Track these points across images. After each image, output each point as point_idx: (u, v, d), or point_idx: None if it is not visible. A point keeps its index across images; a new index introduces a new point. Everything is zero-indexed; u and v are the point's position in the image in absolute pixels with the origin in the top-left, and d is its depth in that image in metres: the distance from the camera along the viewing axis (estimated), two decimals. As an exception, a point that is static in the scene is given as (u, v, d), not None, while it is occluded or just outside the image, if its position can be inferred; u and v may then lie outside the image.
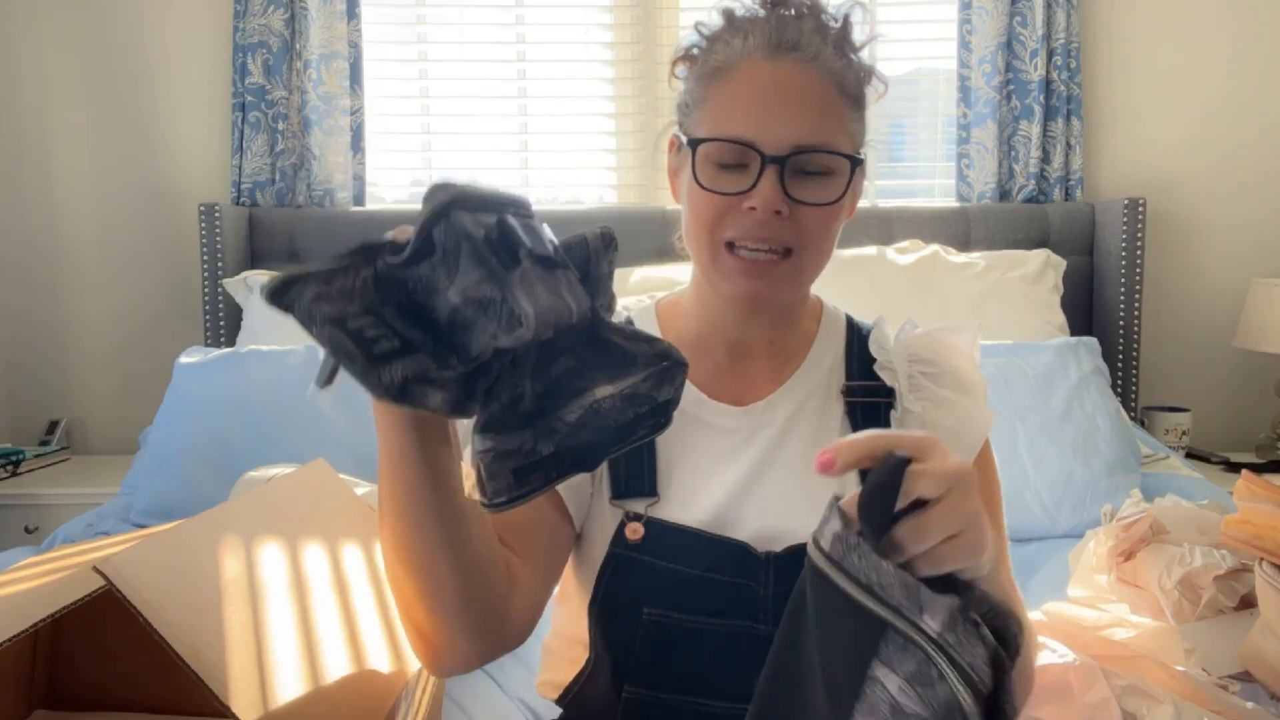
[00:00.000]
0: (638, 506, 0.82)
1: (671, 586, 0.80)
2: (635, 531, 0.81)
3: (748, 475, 0.83)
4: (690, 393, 0.84)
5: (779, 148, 0.76)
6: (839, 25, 0.82)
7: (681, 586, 0.79)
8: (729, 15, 0.83)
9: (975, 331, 0.91)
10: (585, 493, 0.84)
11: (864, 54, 0.83)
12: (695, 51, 0.84)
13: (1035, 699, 0.86)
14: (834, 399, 0.87)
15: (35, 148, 2.60)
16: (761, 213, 0.76)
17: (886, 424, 0.86)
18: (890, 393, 0.87)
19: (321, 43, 2.51)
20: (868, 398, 0.87)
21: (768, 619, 0.78)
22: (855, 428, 0.85)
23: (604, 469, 0.83)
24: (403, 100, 2.70)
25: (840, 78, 0.80)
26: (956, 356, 0.90)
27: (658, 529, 0.81)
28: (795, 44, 0.78)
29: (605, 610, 0.82)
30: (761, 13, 0.81)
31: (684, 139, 0.82)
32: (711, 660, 0.79)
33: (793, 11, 0.81)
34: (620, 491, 0.83)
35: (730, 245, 0.79)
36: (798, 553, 0.76)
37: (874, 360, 0.88)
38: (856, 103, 0.81)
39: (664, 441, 0.83)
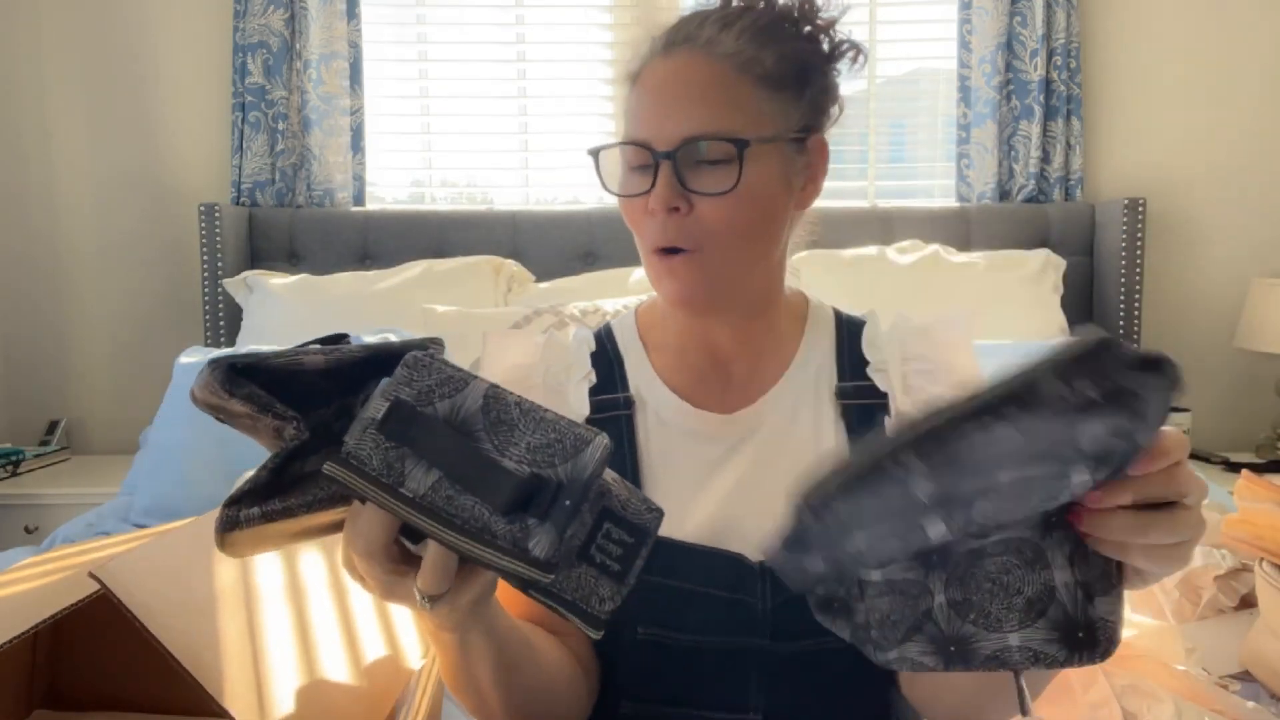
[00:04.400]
0: None
1: (664, 603, 0.77)
2: None
3: (739, 484, 0.81)
4: (673, 401, 0.83)
5: (669, 142, 0.74)
6: (762, 6, 0.78)
7: (674, 603, 0.77)
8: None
9: (968, 319, 0.88)
10: None
11: (828, 33, 0.79)
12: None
13: (1035, 699, 0.86)
14: (826, 401, 0.84)
15: (35, 148, 2.60)
16: (659, 213, 0.74)
17: (880, 427, 0.81)
18: (884, 395, 0.84)
19: (321, 43, 2.51)
20: (861, 399, 0.84)
21: (765, 631, 0.77)
22: (851, 431, 0.83)
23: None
24: (402, 100, 2.70)
25: (740, 59, 0.75)
26: (952, 350, 0.86)
27: None
28: (688, 36, 0.77)
29: None
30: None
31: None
32: (710, 673, 0.78)
33: (718, 2, 0.79)
34: None
35: (652, 250, 0.77)
36: None
37: (866, 360, 0.85)
38: (775, 81, 0.76)
39: (648, 453, 0.82)
